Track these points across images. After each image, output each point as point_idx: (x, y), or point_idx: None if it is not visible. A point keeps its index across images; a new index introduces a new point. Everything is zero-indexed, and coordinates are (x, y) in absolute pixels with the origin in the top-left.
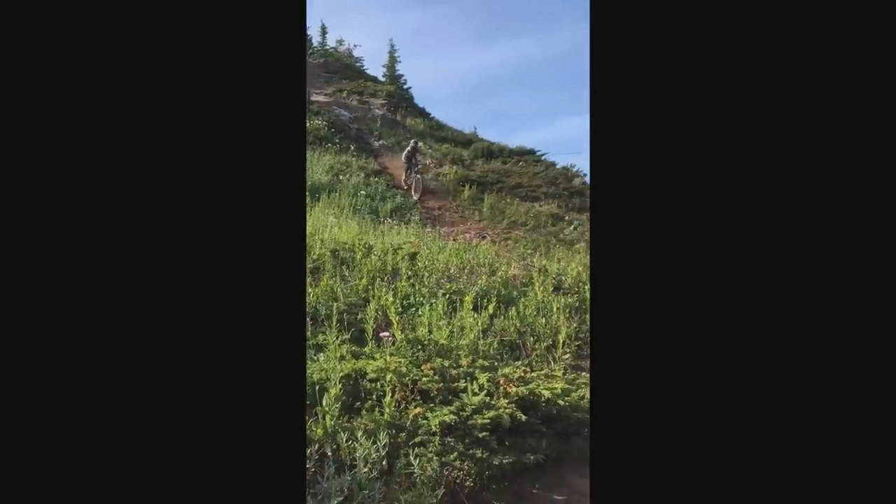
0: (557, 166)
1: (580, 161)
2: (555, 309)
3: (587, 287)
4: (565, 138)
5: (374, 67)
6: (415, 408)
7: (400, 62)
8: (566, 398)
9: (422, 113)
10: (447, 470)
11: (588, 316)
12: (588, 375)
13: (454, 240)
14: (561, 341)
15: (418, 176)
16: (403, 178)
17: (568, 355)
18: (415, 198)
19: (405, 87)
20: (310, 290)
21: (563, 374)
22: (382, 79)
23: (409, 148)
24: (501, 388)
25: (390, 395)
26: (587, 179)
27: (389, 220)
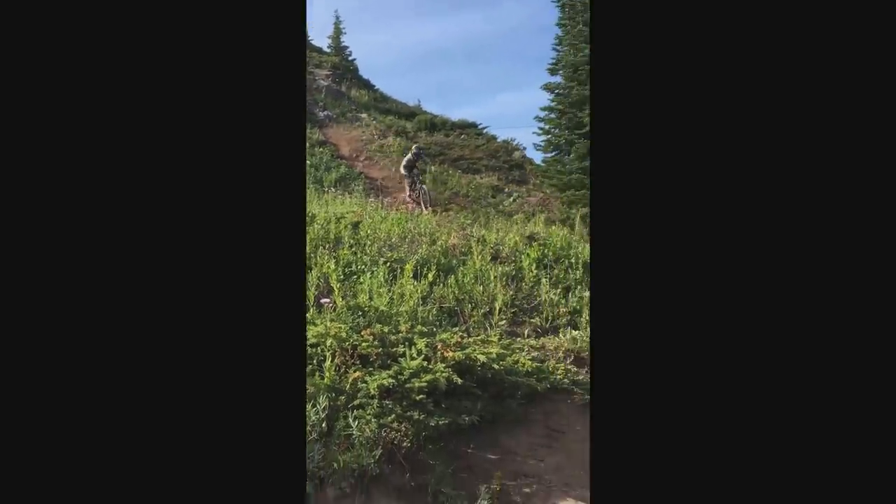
0: (498, 140)
1: (521, 135)
2: (492, 277)
3: (523, 256)
4: (507, 113)
5: (319, 38)
6: (354, 372)
7: (345, 34)
8: (501, 362)
9: (366, 85)
10: (385, 431)
11: (523, 284)
12: (522, 341)
13: (396, 210)
14: (497, 308)
15: (423, 187)
16: (407, 192)
17: (504, 322)
18: (425, 212)
19: (350, 58)
20: None
21: (499, 339)
22: (327, 50)
23: (409, 155)
24: (439, 352)
25: (330, 359)
26: (527, 153)
27: (333, 189)
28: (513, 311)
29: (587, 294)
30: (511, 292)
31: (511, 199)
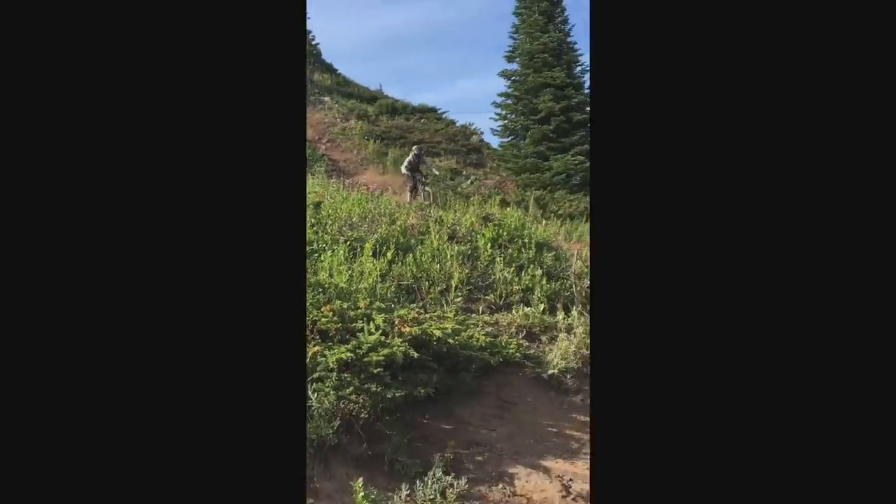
0: (457, 124)
1: (478, 120)
2: (449, 256)
3: (479, 236)
4: (466, 98)
5: None
6: (314, 346)
7: (309, 18)
8: (456, 337)
9: (329, 69)
10: (343, 403)
11: (479, 262)
12: (477, 317)
13: (357, 190)
14: (453, 286)
15: (429, 190)
16: (408, 196)
17: (459, 298)
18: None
19: (313, 42)
20: None
21: (454, 315)
22: None
23: (410, 157)
24: (396, 328)
25: None
26: (484, 137)
27: None
28: (468, 288)
29: (539, 272)
30: (467, 270)
31: (468, 182)
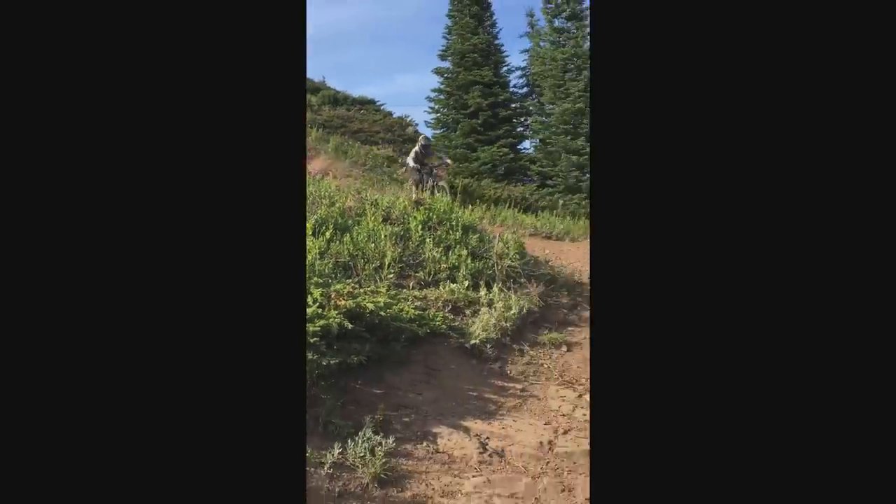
0: (394, 116)
1: (414, 112)
2: (383, 236)
3: (411, 218)
4: (403, 92)
5: None
6: None
7: None
8: (388, 310)
9: None
10: None
11: (410, 243)
12: (407, 292)
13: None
14: (386, 263)
15: (443, 185)
16: (413, 191)
17: (392, 275)
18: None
19: None
20: None
21: (387, 290)
22: None
23: (416, 148)
24: (333, 301)
25: None
26: (419, 128)
27: None
28: (400, 266)
29: (465, 252)
30: (399, 250)
31: (403, 169)
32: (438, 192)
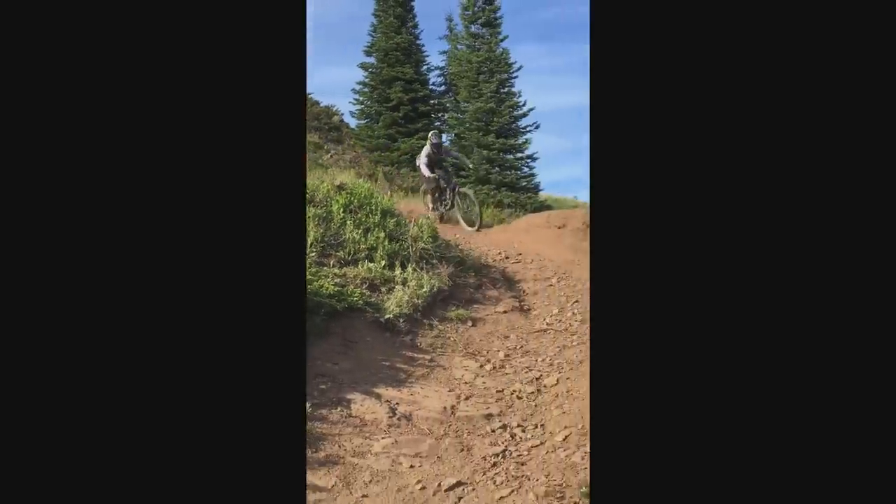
0: (321, 105)
1: (340, 103)
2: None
3: (333, 201)
4: (330, 84)
5: None
6: None
7: None
8: (309, 286)
9: None
10: None
11: (332, 224)
12: (328, 269)
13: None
14: (309, 243)
15: (467, 192)
16: (429, 206)
17: (314, 254)
18: (471, 230)
19: None
20: None
21: (309, 267)
22: None
23: (427, 148)
24: None
25: None
26: (344, 118)
27: None
28: (322, 245)
29: (382, 234)
30: (321, 230)
31: (328, 155)
32: (464, 202)
